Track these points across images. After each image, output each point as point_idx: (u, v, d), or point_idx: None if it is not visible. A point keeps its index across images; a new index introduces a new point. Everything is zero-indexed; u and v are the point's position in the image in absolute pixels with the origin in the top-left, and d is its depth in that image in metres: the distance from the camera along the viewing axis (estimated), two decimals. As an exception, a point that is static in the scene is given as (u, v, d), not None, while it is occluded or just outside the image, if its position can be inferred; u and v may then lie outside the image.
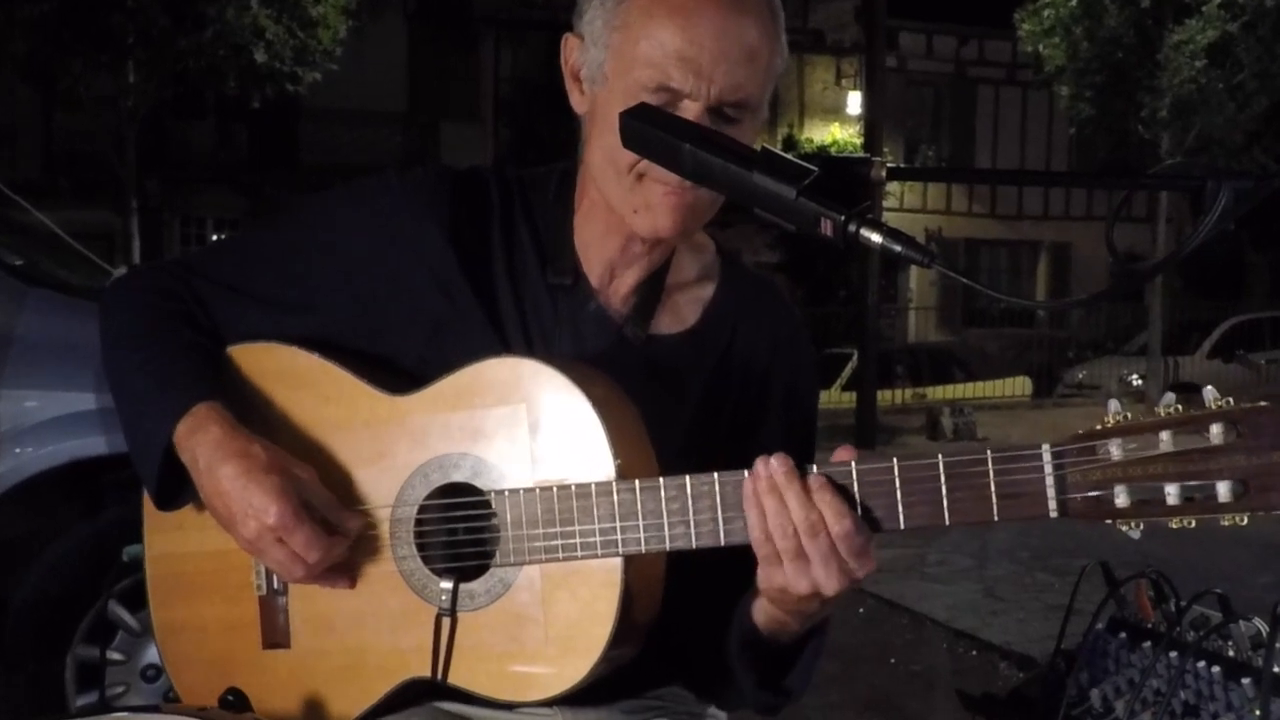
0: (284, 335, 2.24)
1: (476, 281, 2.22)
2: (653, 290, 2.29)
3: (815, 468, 1.86)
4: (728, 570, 2.02)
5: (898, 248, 1.78)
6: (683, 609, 2.15)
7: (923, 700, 7.20)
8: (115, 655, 4.78)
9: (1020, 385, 30.46)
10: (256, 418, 2.17)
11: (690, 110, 2.02)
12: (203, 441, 2.07)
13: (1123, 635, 4.04)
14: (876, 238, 1.78)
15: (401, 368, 2.21)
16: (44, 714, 4.66)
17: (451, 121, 34.00)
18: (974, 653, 8.12)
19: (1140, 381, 27.27)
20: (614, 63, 2.09)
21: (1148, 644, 3.93)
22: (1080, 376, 31.12)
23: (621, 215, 2.15)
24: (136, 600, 4.42)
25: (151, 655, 4.72)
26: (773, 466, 1.85)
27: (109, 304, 2.34)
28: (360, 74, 27.65)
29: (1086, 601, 4.30)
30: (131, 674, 4.85)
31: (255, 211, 30.88)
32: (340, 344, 2.23)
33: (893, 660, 7.89)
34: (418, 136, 33.27)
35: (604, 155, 2.11)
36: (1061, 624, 4.40)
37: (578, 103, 2.20)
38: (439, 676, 2.09)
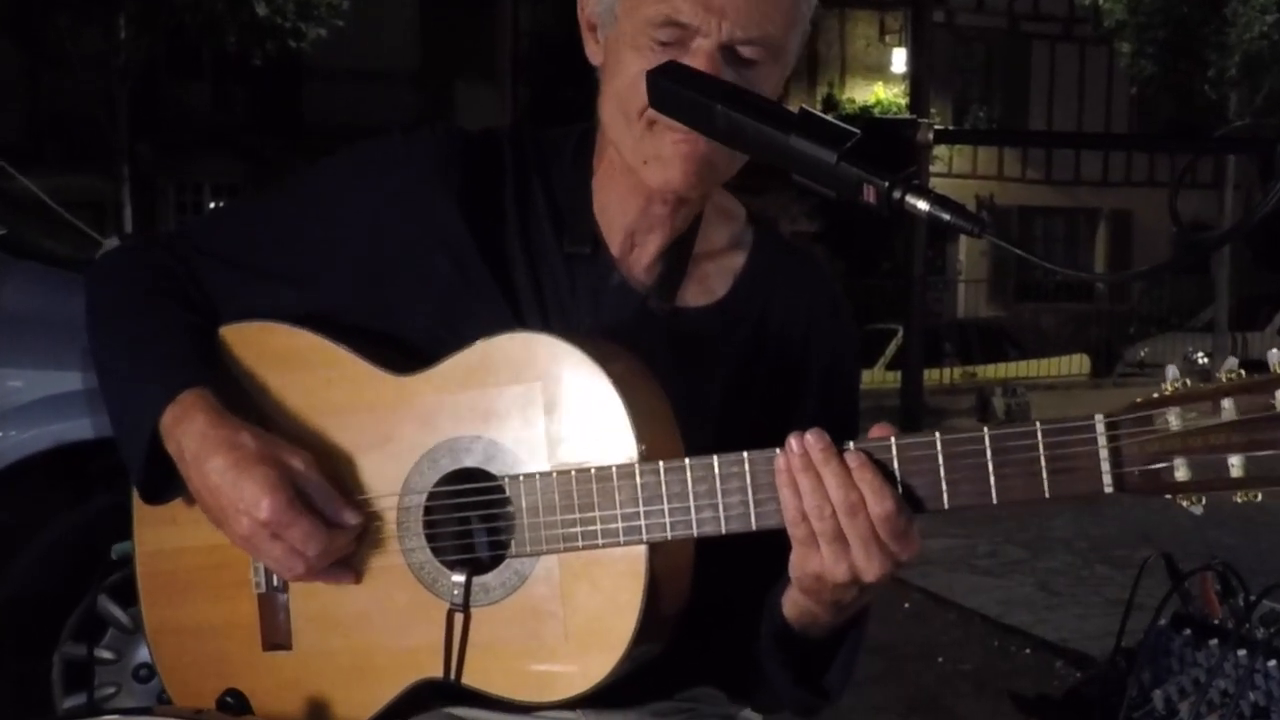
0: (283, 311, 2.23)
1: (488, 251, 2.21)
2: (678, 259, 2.27)
3: (852, 444, 1.84)
4: (763, 557, 2.01)
5: (946, 216, 1.77)
6: (714, 601, 2.13)
7: (972, 701, 7.20)
8: (105, 654, 4.80)
9: (1077, 363, 30.47)
10: (252, 404, 2.16)
11: (702, 49, 2.01)
12: (189, 431, 2.06)
13: (1187, 632, 4.03)
14: (923, 205, 1.77)
15: (408, 345, 2.19)
16: (30, 717, 4.67)
17: (467, 80, 33.84)
18: (1027, 651, 8.11)
19: (1206, 359, 27.14)
20: (624, 2, 2.08)
21: (1214, 642, 3.92)
22: (1142, 354, 31.10)
23: (634, 168, 2.13)
24: (129, 595, 4.44)
25: (144, 654, 4.73)
26: (808, 442, 1.83)
27: (95, 279, 2.34)
28: (369, 29, 27.67)
29: (1149, 596, 4.29)
30: (123, 674, 4.86)
31: (255, 177, 30.86)
32: (343, 320, 2.22)
33: (940, 659, 7.89)
34: (430, 97, 33.19)
35: (615, 103, 2.11)
36: (1122, 620, 4.39)
37: (593, 54, 2.19)
38: (452, 677, 2.08)
